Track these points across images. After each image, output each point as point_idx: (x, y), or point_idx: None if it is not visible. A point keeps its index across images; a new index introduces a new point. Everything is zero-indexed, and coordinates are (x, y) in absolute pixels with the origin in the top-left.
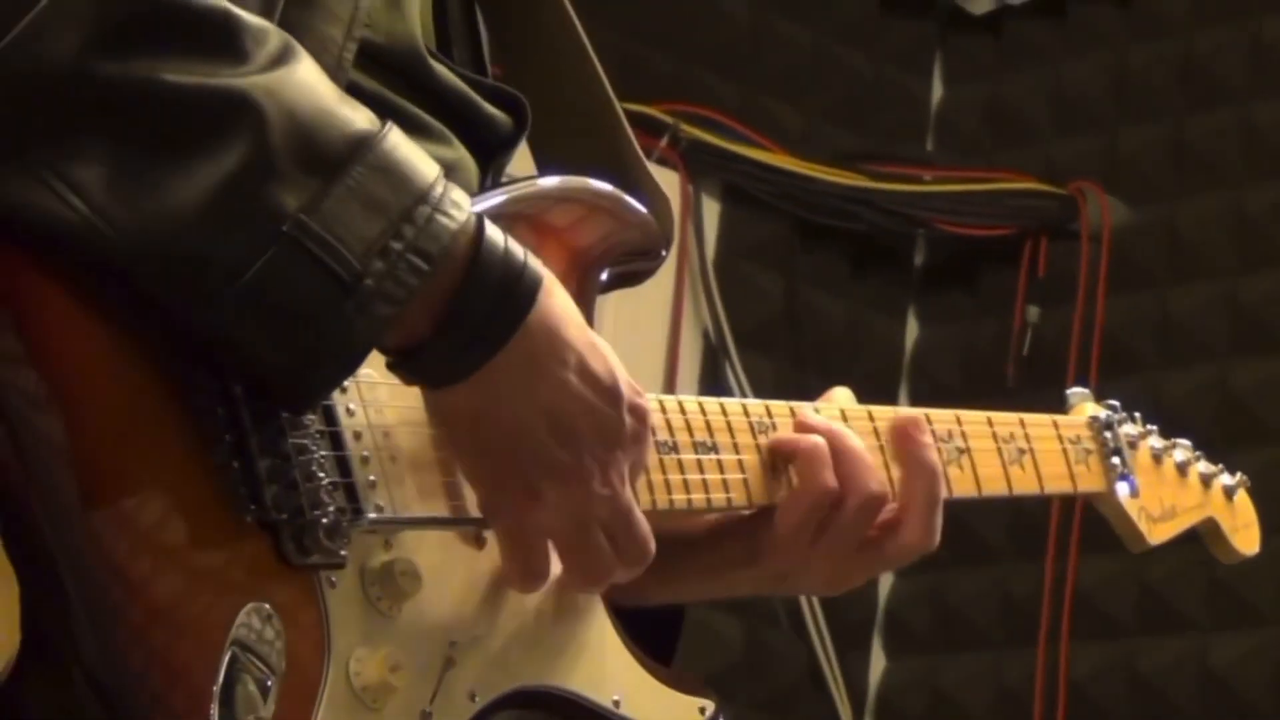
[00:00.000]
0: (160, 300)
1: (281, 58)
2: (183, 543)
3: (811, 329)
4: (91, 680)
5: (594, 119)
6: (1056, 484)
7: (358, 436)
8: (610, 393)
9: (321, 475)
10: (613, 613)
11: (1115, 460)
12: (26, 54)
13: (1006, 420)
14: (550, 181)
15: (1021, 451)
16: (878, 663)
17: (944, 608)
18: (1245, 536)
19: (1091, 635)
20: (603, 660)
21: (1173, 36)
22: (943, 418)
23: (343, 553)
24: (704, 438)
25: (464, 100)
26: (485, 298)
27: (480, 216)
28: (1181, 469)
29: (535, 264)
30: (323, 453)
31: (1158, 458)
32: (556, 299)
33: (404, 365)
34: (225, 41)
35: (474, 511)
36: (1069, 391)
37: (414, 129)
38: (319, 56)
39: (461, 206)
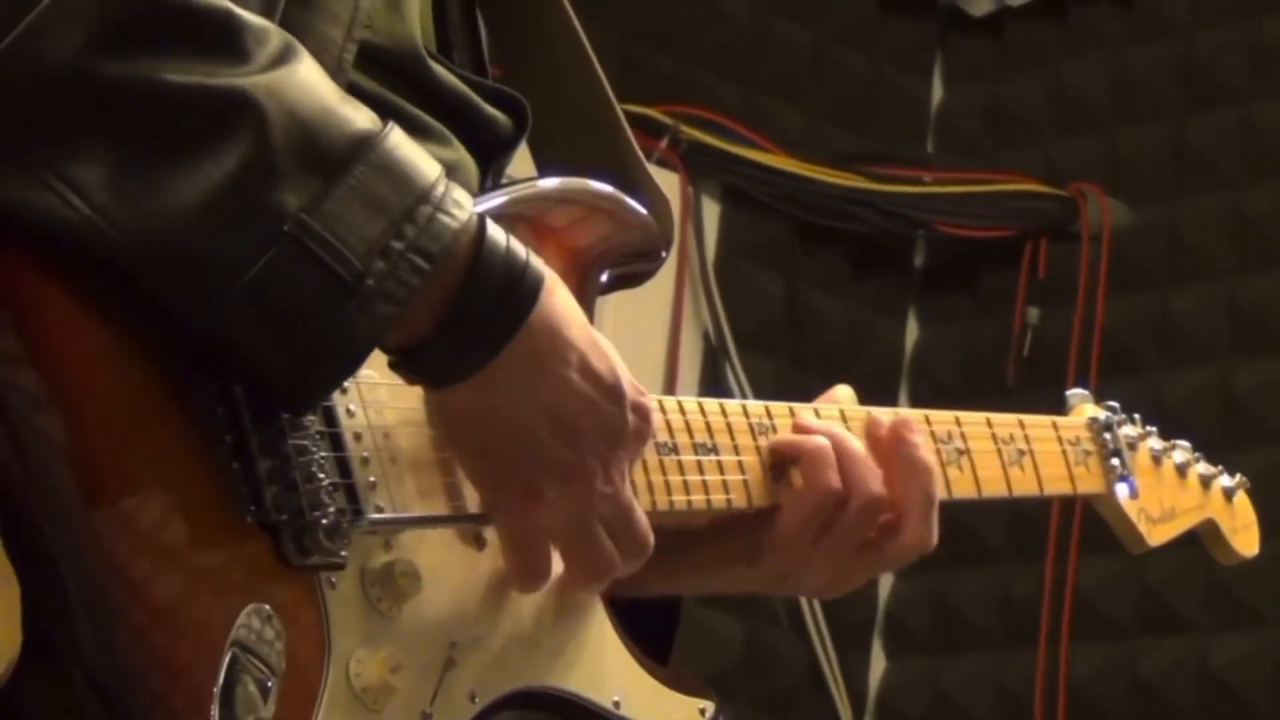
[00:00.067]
0: (161, 300)
1: (283, 57)
2: (183, 543)
3: (812, 330)
4: (92, 680)
5: (594, 120)
6: (1056, 485)
7: (358, 437)
8: (613, 391)
9: (322, 476)
10: (612, 612)
11: (1115, 462)
12: (28, 54)
13: (1006, 422)
14: (550, 183)
15: (1021, 453)
16: (878, 663)
17: (944, 609)
18: (1245, 538)
19: (1091, 636)
20: (603, 661)
21: (1173, 37)
22: (942, 419)
23: (343, 553)
24: (704, 439)
25: (464, 101)
26: (487, 297)
27: (482, 216)
28: (1181, 470)
29: (537, 263)
30: (323, 454)
31: (1157, 459)
32: (558, 298)
33: (406, 365)
34: (226, 41)
35: (474, 511)
36: (1069, 393)
37: (414, 130)
38: (319, 57)
39: (463, 206)
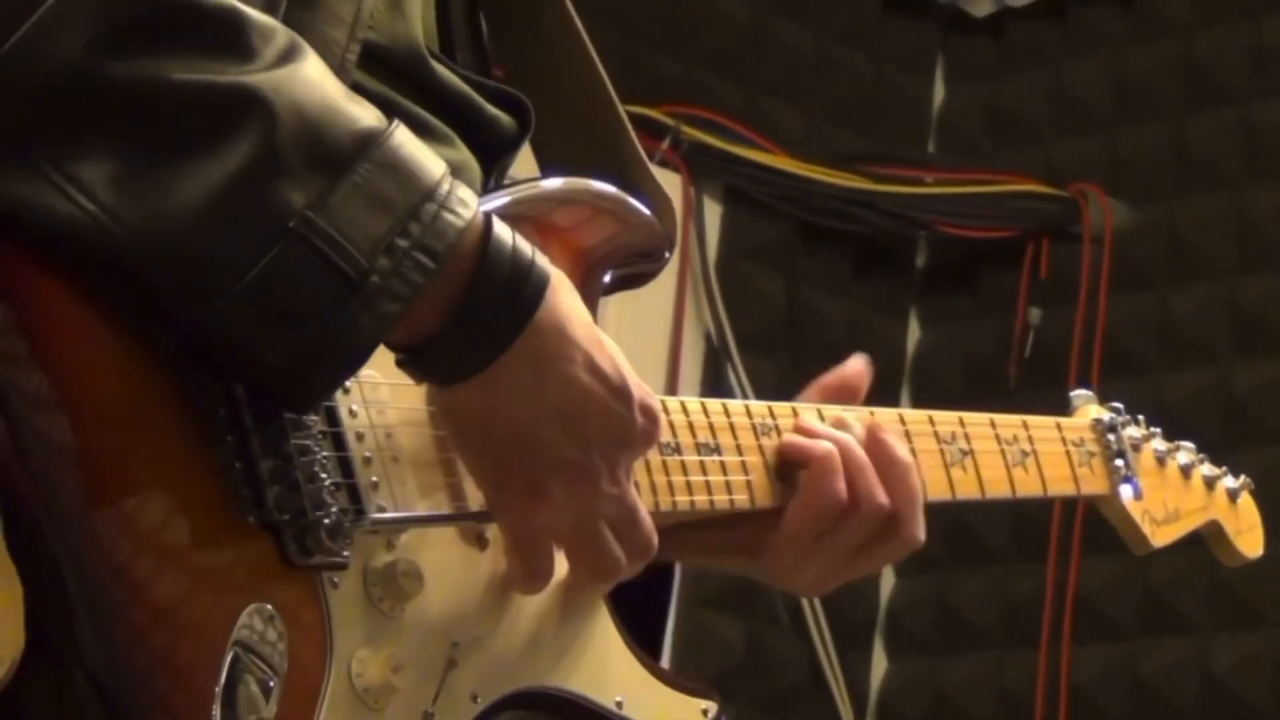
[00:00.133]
0: (166, 298)
1: (289, 55)
2: (185, 543)
3: (813, 331)
4: (93, 681)
5: (596, 120)
6: (1060, 486)
7: (360, 437)
8: (621, 391)
9: (324, 476)
10: (614, 612)
11: (1119, 463)
12: (33, 54)
13: (1010, 422)
14: (553, 183)
15: (1025, 454)
16: (879, 664)
17: (945, 609)
18: (1249, 539)
19: (1093, 637)
20: (605, 661)
21: (1173, 37)
22: (946, 420)
23: (345, 553)
24: (706, 439)
25: (466, 101)
26: (493, 296)
27: (488, 215)
28: (1185, 471)
29: (543, 262)
30: (325, 454)
31: (1161, 460)
32: (564, 298)
33: (413, 363)
34: (233, 39)
35: (477, 510)
36: (1073, 393)
37: (418, 129)
38: (322, 58)
39: (468, 204)
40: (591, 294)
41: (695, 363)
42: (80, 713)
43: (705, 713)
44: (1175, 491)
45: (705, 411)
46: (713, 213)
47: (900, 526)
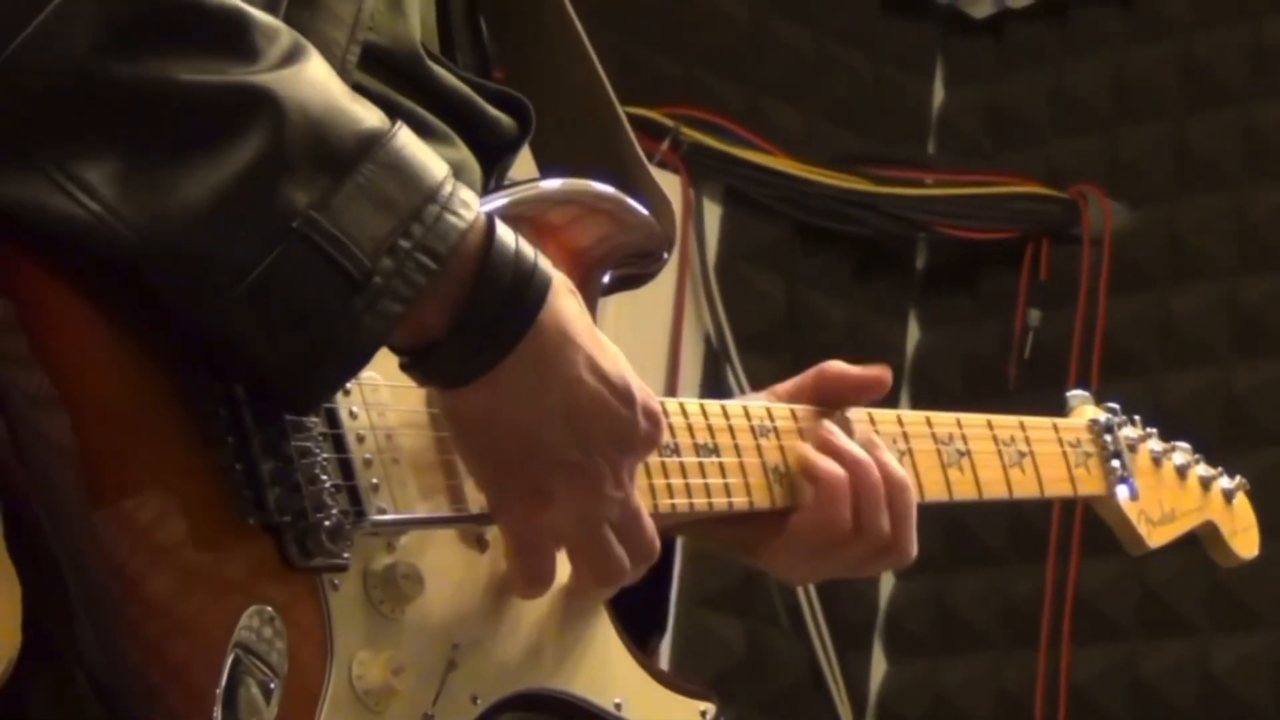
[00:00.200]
0: (167, 298)
1: (293, 55)
2: (185, 544)
3: (812, 332)
4: (93, 681)
5: (595, 121)
6: (1057, 487)
7: (361, 439)
8: (623, 394)
9: (324, 478)
10: (614, 614)
11: (1115, 463)
12: (37, 55)
13: (1007, 423)
14: (552, 184)
15: (1022, 454)
16: (879, 665)
17: (945, 611)
18: (1244, 540)
19: (1092, 638)
20: (605, 663)
21: (1173, 38)
22: (943, 420)
23: (345, 555)
24: (705, 440)
25: (467, 102)
26: (496, 298)
27: (491, 217)
28: (1181, 472)
29: (545, 265)
30: (325, 455)
31: (1158, 461)
32: (566, 300)
33: (416, 366)
34: (237, 39)
35: (477, 512)
36: (1069, 394)
37: (419, 130)
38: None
39: (471, 206)
40: (590, 295)
41: (695, 364)
42: (80, 712)
43: (704, 714)
44: (1171, 492)
45: (704, 413)
46: (712, 214)
47: (896, 543)
